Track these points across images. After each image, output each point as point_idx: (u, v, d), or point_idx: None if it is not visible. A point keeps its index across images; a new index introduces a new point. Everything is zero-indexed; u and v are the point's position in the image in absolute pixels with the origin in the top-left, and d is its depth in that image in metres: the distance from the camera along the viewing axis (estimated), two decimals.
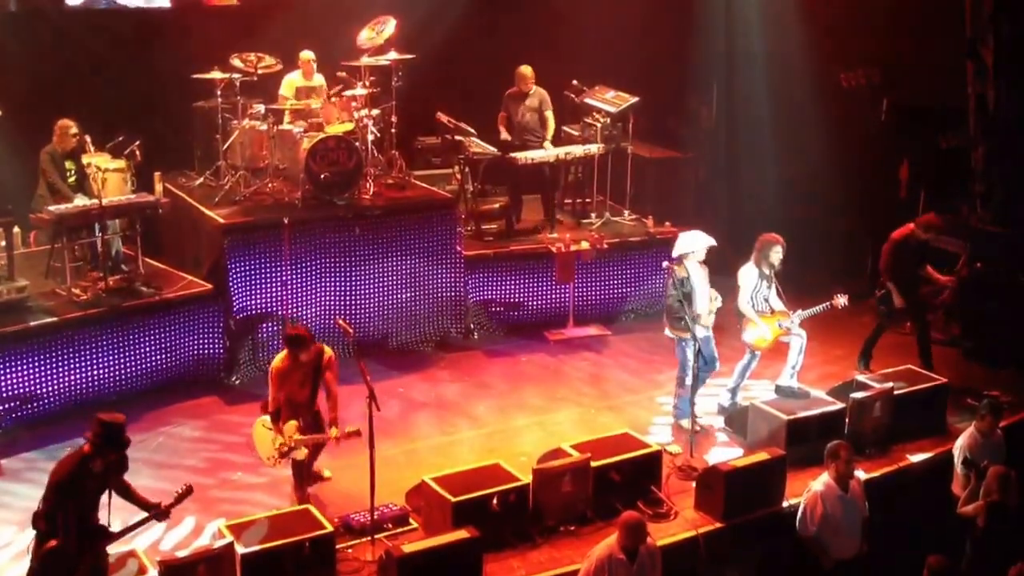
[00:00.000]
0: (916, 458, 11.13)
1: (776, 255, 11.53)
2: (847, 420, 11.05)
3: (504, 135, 14.76)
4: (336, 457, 10.96)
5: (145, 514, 8.40)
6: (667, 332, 11.56)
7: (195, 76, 13.62)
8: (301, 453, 9.84)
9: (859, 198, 15.80)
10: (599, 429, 10.98)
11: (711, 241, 11.52)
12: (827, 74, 16.36)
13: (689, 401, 11.24)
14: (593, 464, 9.79)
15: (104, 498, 8.21)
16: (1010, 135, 14.04)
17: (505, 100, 14.83)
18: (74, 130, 12.46)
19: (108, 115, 13.37)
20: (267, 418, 9.98)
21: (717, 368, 11.73)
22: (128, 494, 8.46)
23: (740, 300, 11.59)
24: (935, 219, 12.78)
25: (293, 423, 9.82)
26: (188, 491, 8.46)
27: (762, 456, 10.22)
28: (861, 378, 11.80)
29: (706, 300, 11.46)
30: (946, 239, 13.96)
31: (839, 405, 11.15)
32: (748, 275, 11.62)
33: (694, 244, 11.48)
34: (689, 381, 11.20)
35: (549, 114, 14.78)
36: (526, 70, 14.68)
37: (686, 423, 11.35)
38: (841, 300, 11.57)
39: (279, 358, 9.95)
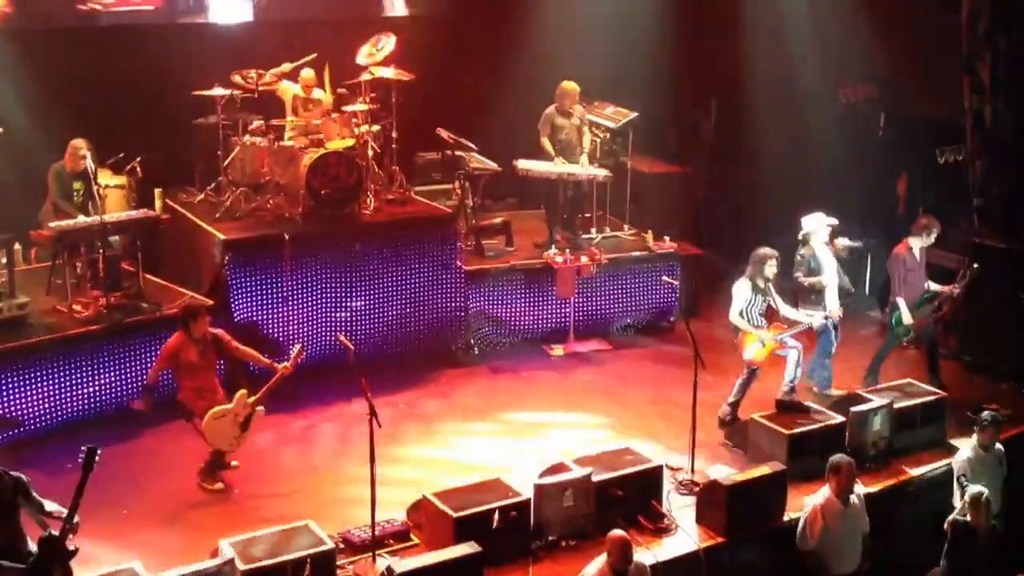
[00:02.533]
0: (917, 472, 11.12)
1: (771, 269, 11.62)
2: (847, 434, 11.05)
3: (553, 155, 14.47)
4: (337, 472, 11.01)
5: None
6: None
7: (196, 93, 13.65)
8: (260, 414, 10.62)
9: (858, 213, 15.81)
10: (600, 443, 10.97)
11: (831, 220, 12.36)
12: (826, 89, 16.42)
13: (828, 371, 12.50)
14: (594, 479, 9.77)
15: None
16: (1008, 150, 14.08)
17: (545, 118, 14.55)
18: (84, 151, 12.46)
19: (109, 132, 13.38)
20: (216, 409, 10.45)
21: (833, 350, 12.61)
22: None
23: (732, 312, 11.68)
24: (927, 218, 12.89)
25: (242, 391, 10.51)
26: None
27: (763, 470, 10.20)
28: (861, 392, 11.82)
29: (834, 278, 12.27)
30: (945, 254, 14.01)
31: (840, 419, 11.15)
32: (742, 289, 11.70)
33: (815, 223, 12.31)
34: (833, 352, 12.49)
35: (587, 130, 14.77)
36: (572, 86, 14.50)
37: (831, 391, 12.42)
38: (819, 319, 11.87)
39: (174, 338, 10.59)
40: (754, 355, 11.66)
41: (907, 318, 12.63)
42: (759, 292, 11.68)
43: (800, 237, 12.49)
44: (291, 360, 10.64)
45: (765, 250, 11.76)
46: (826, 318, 12.11)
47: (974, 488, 9.93)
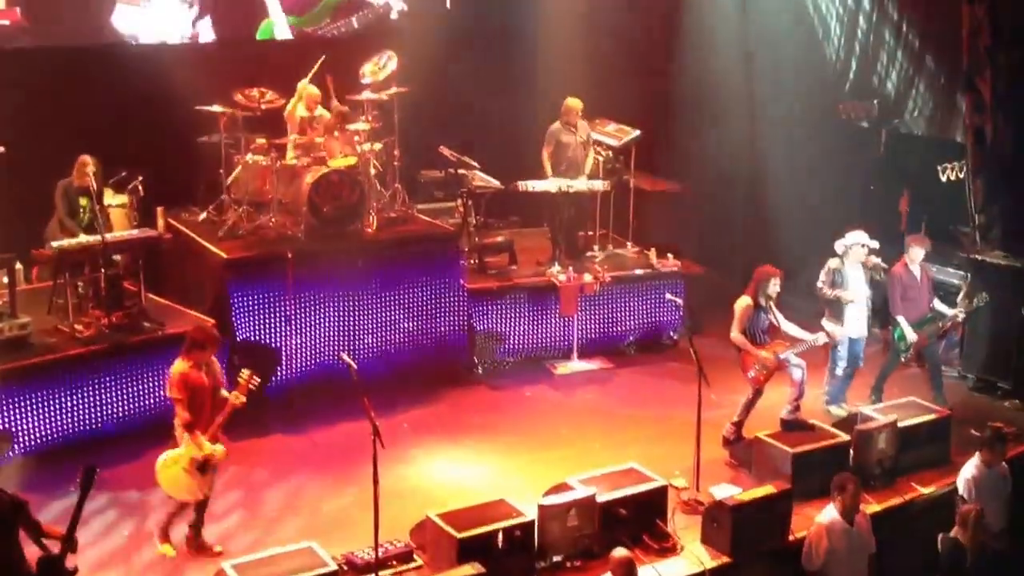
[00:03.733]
0: (922, 490, 11.08)
1: (773, 287, 11.59)
2: (852, 453, 11.02)
3: (549, 171, 14.52)
4: (340, 494, 10.97)
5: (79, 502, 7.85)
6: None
7: (198, 108, 13.65)
8: (220, 451, 9.66)
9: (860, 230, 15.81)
10: (604, 463, 10.93)
11: (864, 239, 12.47)
12: (826, 106, 16.42)
13: (836, 389, 12.75)
14: (599, 499, 9.74)
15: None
16: (1008, 167, 14.08)
17: (550, 134, 14.57)
18: (92, 168, 12.47)
19: (111, 151, 13.37)
20: (167, 454, 9.62)
21: (859, 365, 12.83)
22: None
23: (733, 331, 11.63)
24: (911, 237, 13.02)
25: (198, 432, 9.54)
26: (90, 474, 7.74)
27: (768, 490, 10.16)
28: (865, 410, 11.80)
29: (862, 298, 12.47)
30: (948, 271, 13.99)
31: (844, 437, 11.14)
32: (743, 307, 11.65)
33: (852, 240, 12.48)
34: (838, 371, 12.70)
35: (591, 150, 14.79)
36: (576, 103, 14.52)
37: (835, 409, 12.66)
38: (822, 338, 11.78)
39: (182, 365, 9.61)
40: (755, 373, 11.63)
41: (909, 335, 12.64)
42: (761, 310, 11.65)
43: (838, 251, 12.58)
44: (240, 388, 9.66)
45: (768, 268, 11.75)
46: (828, 337, 12.06)
47: (966, 506, 9.92)
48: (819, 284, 12.63)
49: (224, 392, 9.85)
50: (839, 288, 12.50)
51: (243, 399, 9.68)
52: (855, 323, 12.63)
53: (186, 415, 9.55)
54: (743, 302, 11.66)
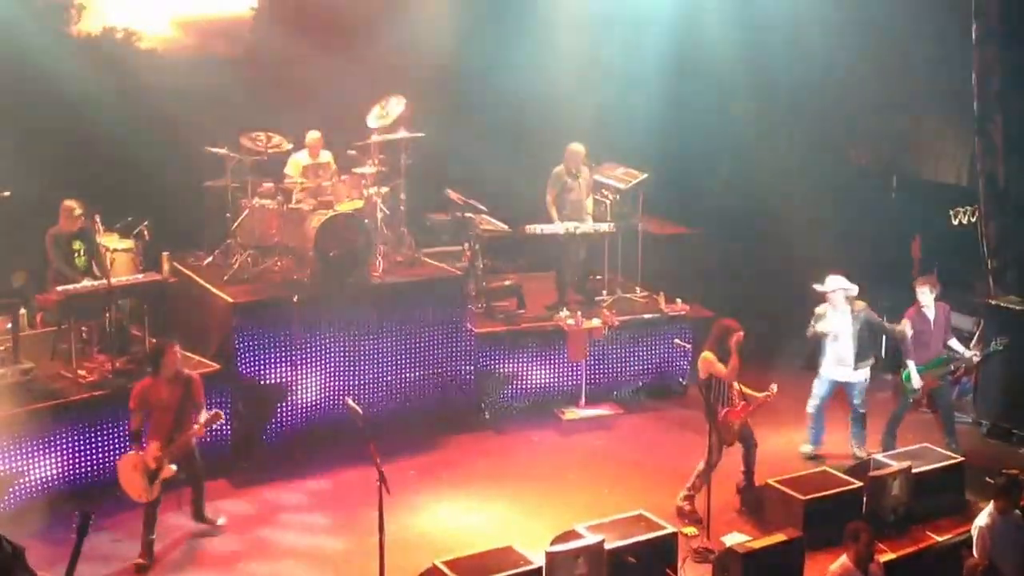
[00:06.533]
0: (936, 538, 10.92)
1: (732, 342, 11.35)
2: (865, 500, 10.88)
3: (555, 215, 14.49)
4: (345, 541, 10.85)
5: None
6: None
7: (207, 150, 13.63)
8: (169, 471, 10.38)
9: (871, 275, 15.73)
10: (613, 510, 10.80)
11: (849, 286, 12.43)
12: (836, 151, 16.37)
13: (810, 429, 12.78)
14: (607, 546, 9.60)
15: None
16: (1021, 211, 14.00)
17: (554, 178, 14.58)
18: (78, 211, 12.43)
19: (116, 195, 13.35)
20: (130, 453, 10.44)
21: (860, 412, 12.75)
22: None
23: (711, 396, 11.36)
24: (921, 279, 12.94)
25: (155, 443, 10.34)
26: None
27: (779, 537, 10.03)
28: (878, 456, 11.70)
29: (848, 343, 12.41)
30: (961, 316, 13.90)
31: (857, 484, 11.00)
32: (706, 366, 11.35)
33: (829, 286, 12.45)
34: (808, 409, 12.74)
35: (592, 194, 14.79)
36: (579, 148, 14.54)
37: (805, 448, 12.76)
38: (773, 388, 11.55)
39: (144, 380, 10.60)
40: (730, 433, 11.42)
41: (915, 379, 12.61)
42: (726, 364, 11.42)
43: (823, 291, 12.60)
44: (201, 424, 10.56)
45: (727, 322, 11.60)
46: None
47: (972, 560, 9.78)
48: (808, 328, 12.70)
49: (194, 424, 10.57)
50: (817, 326, 12.55)
51: (200, 432, 10.58)
52: (835, 364, 12.61)
53: (131, 425, 10.53)
54: (706, 357, 11.40)
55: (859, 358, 12.59)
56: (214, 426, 10.85)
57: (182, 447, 10.53)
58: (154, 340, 10.93)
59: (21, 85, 13.80)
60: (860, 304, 12.57)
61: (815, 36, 15.57)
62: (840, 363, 12.61)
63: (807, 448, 12.79)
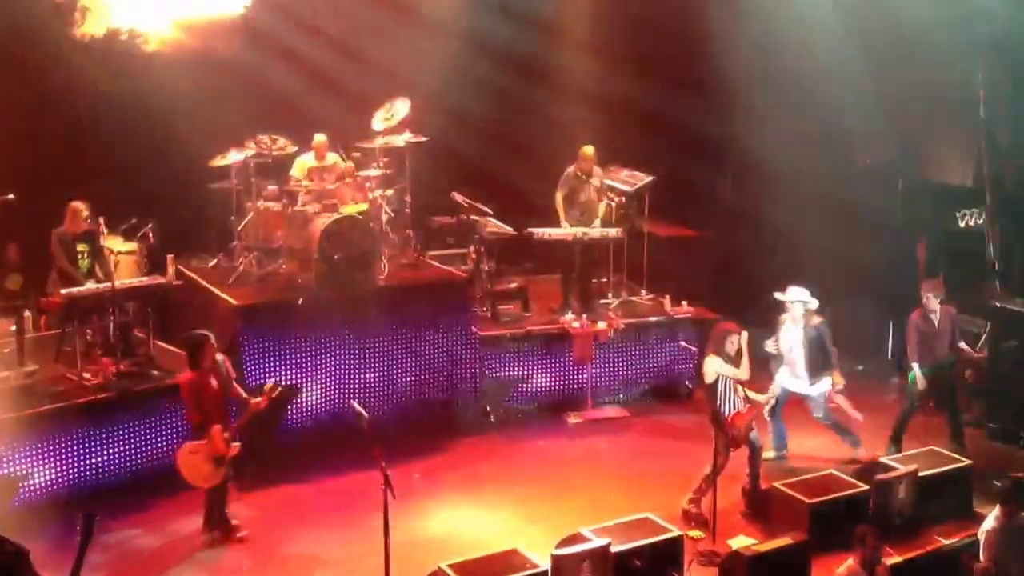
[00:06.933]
0: (944, 542, 10.86)
1: (731, 345, 11.32)
2: (871, 503, 10.83)
3: (563, 215, 14.49)
4: (350, 545, 10.81)
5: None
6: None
7: (212, 164, 13.61)
8: (235, 448, 10.63)
9: (878, 278, 15.71)
10: (619, 513, 10.76)
11: (804, 296, 12.24)
12: (843, 153, 16.32)
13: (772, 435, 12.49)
14: (613, 549, 9.57)
15: None
16: None
17: (565, 178, 14.56)
18: (85, 213, 12.41)
19: (121, 198, 13.34)
20: (188, 444, 10.54)
21: (825, 422, 12.55)
22: None
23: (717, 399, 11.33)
24: (936, 283, 12.86)
25: (216, 427, 10.49)
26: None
27: (785, 541, 9.99)
28: (885, 460, 11.64)
29: (800, 356, 12.22)
30: (967, 318, 13.85)
31: (863, 487, 10.95)
32: (715, 367, 11.32)
33: (787, 297, 12.29)
34: (766, 416, 12.27)
35: (604, 197, 14.75)
36: (590, 150, 14.49)
37: (768, 455, 12.25)
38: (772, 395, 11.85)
39: (187, 374, 10.66)
40: (738, 435, 11.35)
41: (920, 382, 12.54)
42: (727, 368, 11.40)
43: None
44: (264, 396, 10.78)
45: (727, 324, 11.58)
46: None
47: (980, 564, 9.73)
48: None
49: (251, 399, 10.82)
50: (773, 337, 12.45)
51: (263, 404, 10.74)
52: (788, 375, 12.45)
53: (194, 419, 10.57)
54: (711, 363, 11.33)
55: (812, 372, 12.37)
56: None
57: (248, 421, 10.76)
58: (189, 335, 10.97)
59: (25, 87, 13.78)
60: (816, 318, 12.42)
61: (822, 37, 15.53)
62: (793, 374, 12.43)
63: (769, 454, 12.45)
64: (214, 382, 10.65)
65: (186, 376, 10.68)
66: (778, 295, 12.44)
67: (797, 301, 12.31)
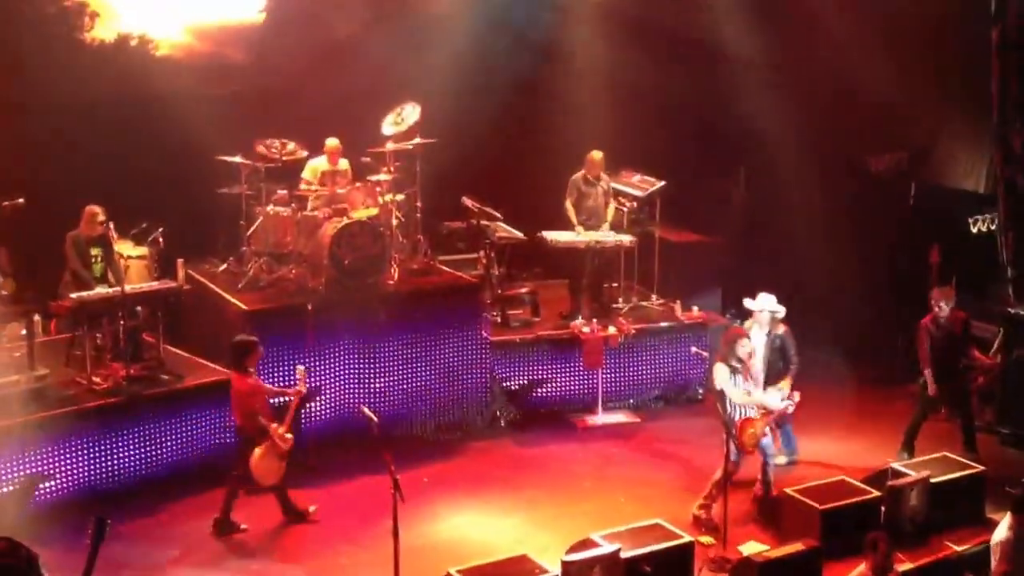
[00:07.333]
0: (956, 548, 10.81)
1: (743, 349, 11.28)
2: (883, 509, 10.78)
3: (575, 220, 14.48)
4: (359, 549, 10.80)
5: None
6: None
7: (220, 159, 13.61)
8: (290, 441, 11.14)
9: (890, 284, 15.65)
10: (629, 519, 10.72)
11: (772, 305, 12.16)
12: (856, 158, 16.27)
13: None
14: (623, 555, 9.51)
15: None
16: None
17: (572, 184, 14.57)
18: (101, 217, 12.43)
19: (131, 203, 13.33)
20: (258, 451, 10.95)
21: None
22: None
23: (734, 403, 11.21)
24: (947, 291, 12.77)
25: (274, 424, 11.03)
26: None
27: (796, 547, 9.95)
28: (896, 466, 11.58)
29: (760, 363, 11.95)
30: (980, 324, 13.79)
31: (875, 494, 10.90)
32: (723, 375, 11.26)
33: (757, 304, 12.24)
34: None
35: (612, 201, 14.75)
36: (598, 155, 14.49)
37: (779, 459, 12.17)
38: (796, 397, 11.54)
39: (238, 380, 11.07)
40: (748, 441, 11.28)
41: (931, 389, 12.52)
42: (736, 373, 11.34)
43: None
44: (300, 383, 11.27)
45: (737, 330, 11.54)
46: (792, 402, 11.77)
47: (997, 566, 9.65)
48: None
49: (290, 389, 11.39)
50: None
51: (303, 392, 11.27)
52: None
53: (258, 422, 10.99)
54: (720, 370, 11.28)
55: (768, 381, 12.17)
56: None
57: (296, 410, 11.29)
58: (238, 340, 11.30)
59: (34, 92, 13.78)
60: (781, 327, 12.33)
61: (834, 42, 15.50)
62: (754, 380, 12.08)
63: (780, 459, 12.32)
64: (257, 381, 11.19)
65: (239, 383, 11.09)
66: (747, 302, 12.37)
67: (765, 309, 12.23)
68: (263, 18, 15.56)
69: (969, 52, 14.42)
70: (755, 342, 12.03)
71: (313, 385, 11.95)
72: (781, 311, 12.27)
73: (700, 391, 14.60)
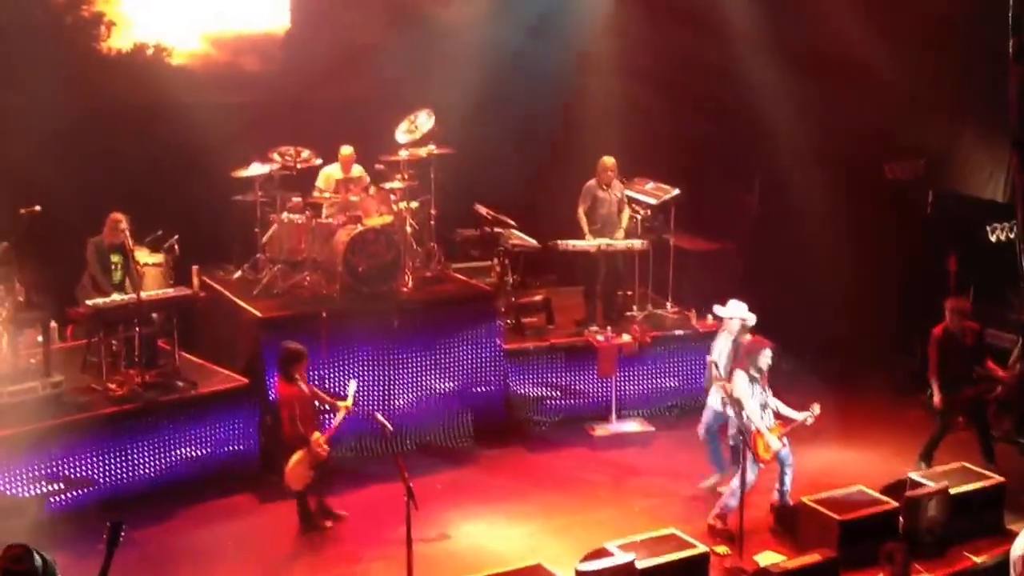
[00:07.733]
0: (975, 560, 10.72)
1: (765, 360, 11.22)
2: (901, 520, 10.71)
3: (586, 228, 14.41)
4: (373, 557, 10.77)
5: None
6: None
7: (235, 175, 13.62)
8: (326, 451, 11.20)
9: (907, 292, 15.57)
10: (643, 528, 10.67)
11: (743, 313, 11.97)
12: (872, 165, 16.22)
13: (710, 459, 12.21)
14: (638, 565, 9.49)
15: None
16: None
17: (586, 191, 14.50)
18: (124, 225, 12.43)
19: (147, 210, 13.35)
20: (294, 458, 11.05)
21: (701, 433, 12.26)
22: None
23: (750, 414, 11.12)
24: (961, 303, 12.71)
25: (316, 434, 11.09)
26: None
27: (814, 557, 9.88)
28: (915, 476, 11.50)
29: (723, 364, 11.80)
30: (997, 333, 13.71)
31: (893, 504, 10.83)
32: (743, 384, 11.20)
33: (727, 311, 12.09)
34: (701, 437, 12.22)
35: (626, 207, 14.69)
36: (610, 161, 14.45)
37: (707, 483, 12.19)
38: (815, 409, 11.35)
39: (283, 386, 11.17)
40: (763, 454, 11.20)
41: (937, 400, 12.46)
42: (756, 383, 11.27)
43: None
44: (351, 397, 11.35)
45: (759, 339, 11.48)
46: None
47: None
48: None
49: (339, 402, 11.43)
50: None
51: (351, 407, 11.32)
52: (716, 393, 11.98)
53: (294, 430, 11.04)
54: (740, 378, 11.22)
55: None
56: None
57: (341, 424, 11.34)
58: (285, 348, 11.30)
59: (51, 101, 13.81)
60: (747, 337, 12.07)
61: (851, 50, 15.45)
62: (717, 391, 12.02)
63: (708, 482, 12.25)
64: (303, 390, 11.19)
65: (282, 389, 11.21)
66: (717, 309, 12.28)
67: (736, 316, 12.10)
68: (279, 28, 15.62)
69: (988, 59, 14.33)
70: (720, 347, 12.02)
71: (360, 409, 11.94)
72: (751, 319, 12.11)
73: None
